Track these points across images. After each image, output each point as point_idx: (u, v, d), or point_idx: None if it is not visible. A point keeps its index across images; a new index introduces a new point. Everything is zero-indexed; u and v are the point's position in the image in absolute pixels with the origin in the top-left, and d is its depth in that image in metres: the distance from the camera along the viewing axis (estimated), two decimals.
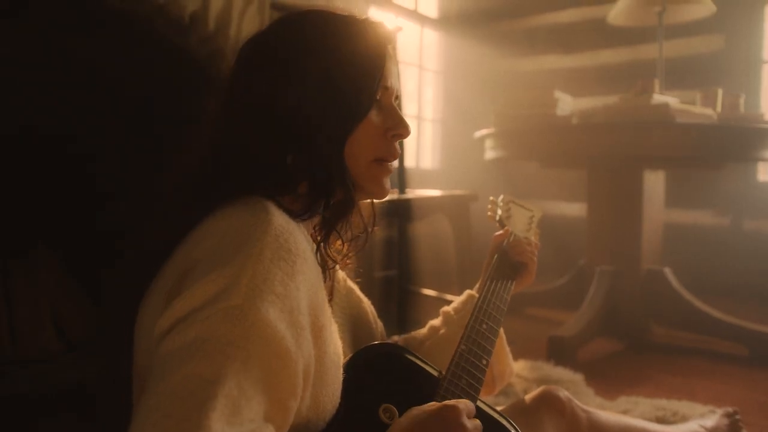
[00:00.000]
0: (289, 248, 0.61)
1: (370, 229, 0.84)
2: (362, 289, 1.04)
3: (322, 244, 0.76)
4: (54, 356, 1.47)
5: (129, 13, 1.40)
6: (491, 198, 1.22)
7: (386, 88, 0.75)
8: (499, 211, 1.19)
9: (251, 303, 0.54)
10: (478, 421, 0.69)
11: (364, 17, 0.77)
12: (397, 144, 0.78)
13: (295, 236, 0.63)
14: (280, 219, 0.63)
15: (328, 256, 0.80)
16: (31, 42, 1.43)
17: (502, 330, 0.98)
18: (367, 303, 1.02)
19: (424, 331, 1.08)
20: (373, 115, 0.74)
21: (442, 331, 1.05)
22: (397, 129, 0.76)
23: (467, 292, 1.08)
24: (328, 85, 0.71)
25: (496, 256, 1.08)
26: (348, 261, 0.87)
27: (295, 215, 0.69)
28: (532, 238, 1.16)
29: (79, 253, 1.60)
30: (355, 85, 0.72)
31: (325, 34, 0.73)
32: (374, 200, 0.82)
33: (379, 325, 1.03)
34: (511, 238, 1.12)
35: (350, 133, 0.72)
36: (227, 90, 0.76)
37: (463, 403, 0.68)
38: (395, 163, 0.79)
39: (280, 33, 0.75)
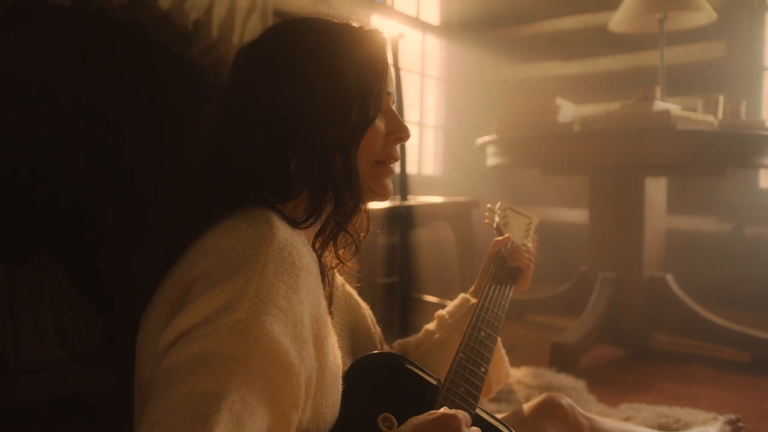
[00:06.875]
0: (293, 261, 0.61)
1: (363, 234, 0.85)
2: (364, 296, 1.04)
3: (329, 242, 0.77)
4: (57, 366, 1.48)
5: (132, 22, 1.42)
6: (489, 205, 1.23)
7: (388, 94, 0.78)
8: (496, 219, 1.19)
9: (255, 317, 0.54)
10: (477, 429, 0.69)
11: (360, 25, 0.78)
12: (396, 146, 0.80)
13: (299, 249, 0.63)
14: (284, 232, 0.63)
15: (338, 258, 0.82)
16: (32, 52, 1.44)
17: None
18: (365, 308, 1.02)
19: (419, 335, 1.09)
20: (377, 121, 0.76)
21: (436, 335, 1.06)
22: (399, 133, 0.79)
23: (462, 295, 1.09)
24: (337, 93, 0.71)
25: (494, 263, 1.09)
26: (347, 266, 0.88)
27: (298, 223, 0.69)
28: (530, 245, 1.16)
29: (82, 263, 1.60)
30: (363, 93, 0.73)
31: (327, 42, 0.74)
32: (379, 201, 0.83)
33: (377, 330, 1.04)
34: (509, 245, 1.12)
35: (360, 140, 0.73)
36: (225, 98, 0.75)
37: (462, 413, 0.68)
38: (397, 165, 0.81)
39: (280, 39, 0.75)
